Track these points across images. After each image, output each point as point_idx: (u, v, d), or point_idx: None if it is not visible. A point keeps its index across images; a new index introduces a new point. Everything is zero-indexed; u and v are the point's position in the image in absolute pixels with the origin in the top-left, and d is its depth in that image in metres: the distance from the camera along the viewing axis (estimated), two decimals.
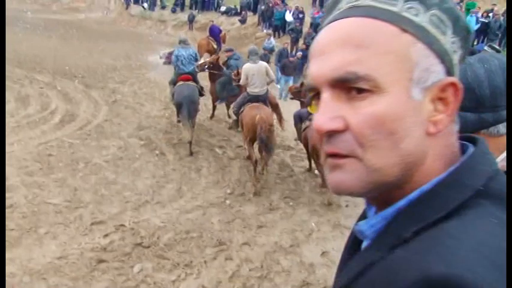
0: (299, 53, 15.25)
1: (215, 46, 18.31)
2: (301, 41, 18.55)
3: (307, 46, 17.19)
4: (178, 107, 8.75)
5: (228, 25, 25.94)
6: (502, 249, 0.53)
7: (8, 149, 7.98)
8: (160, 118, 10.60)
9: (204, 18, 27.98)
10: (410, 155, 0.62)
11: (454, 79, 0.65)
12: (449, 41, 0.66)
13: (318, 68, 0.65)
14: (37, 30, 25.25)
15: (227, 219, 6.17)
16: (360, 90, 0.61)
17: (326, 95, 0.64)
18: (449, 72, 0.66)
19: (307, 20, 21.04)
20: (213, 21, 22.76)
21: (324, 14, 0.75)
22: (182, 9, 31.08)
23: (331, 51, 0.64)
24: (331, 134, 0.63)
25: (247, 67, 7.79)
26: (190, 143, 8.51)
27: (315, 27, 18.83)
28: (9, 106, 10.48)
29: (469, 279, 0.50)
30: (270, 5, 24.21)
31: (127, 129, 9.60)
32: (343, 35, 0.63)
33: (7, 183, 6.63)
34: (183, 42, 9.33)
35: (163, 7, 32.59)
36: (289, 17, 21.72)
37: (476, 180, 0.62)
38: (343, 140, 0.62)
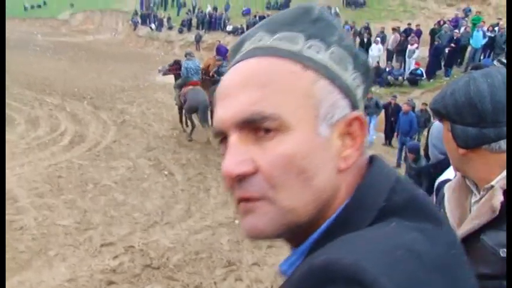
0: None
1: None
2: None
3: None
4: (194, 110, 10.02)
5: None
6: (400, 245, 0.54)
7: (18, 170, 8.05)
8: (169, 138, 10.65)
9: (210, 38, 28.27)
10: (323, 192, 0.62)
11: (358, 113, 0.65)
12: (351, 76, 0.67)
13: (223, 111, 0.63)
14: (47, 53, 25.62)
15: (236, 239, 6.14)
16: (267, 130, 0.60)
17: (233, 138, 0.62)
18: (353, 106, 0.66)
19: None
20: (220, 41, 22.95)
21: (230, 58, 0.73)
22: (189, 29, 31.43)
23: (235, 93, 0.62)
24: (242, 178, 0.61)
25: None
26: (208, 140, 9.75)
27: None
28: (20, 128, 10.61)
29: (347, 261, 0.50)
30: None
31: (135, 149, 9.65)
32: (246, 76, 0.63)
33: (17, 205, 6.68)
34: (188, 55, 10.72)
35: (170, 28, 32.99)
36: None
37: (378, 198, 0.62)
38: (253, 183, 0.61)
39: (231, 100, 0.62)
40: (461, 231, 1.23)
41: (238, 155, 0.61)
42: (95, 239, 5.92)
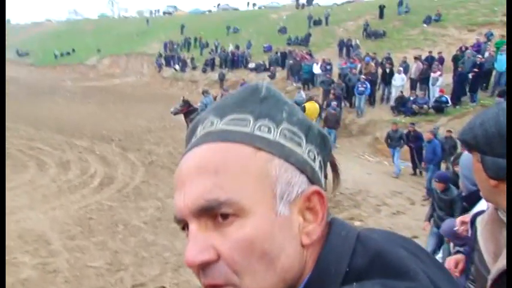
0: (334, 103, 15.23)
1: None
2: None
3: (337, 96, 17.34)
4: None
5: (259, 81, 26.38)
6: None
7: (50, 213, 8.21)
8: None
9: (234, 76, 28.72)
10: (289, 271, 0.62)
11: (316, 187, 0.65)
12: (305, 151, 0.67)
13: (181, 200, 0.63)
14: (76, 98, 26.36)
15: None
16: (225, 216, 0.60)
17: (193, 227, 0.62)
18: (311, 180, 0.66)
19: (335, 71, 21.33)
20: (244, 80, 23.21)
21: (186, 142, 0.74)
22: (212, 68, 32.01)
23: (190, 181, 0.62)
24: (205, 266, 0.61)
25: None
26: None
27: (343, 77, 19.02)
28: (51, 171, 10.86)
29: None
30: (298, 59, 24.75)
31: (164, 189, 9.74)
32: (199, 163, 0.63)
33: (50, 247, 6.78)
34: (205, 92, 13.79)
35: (194, 68, 33.66)
36: (317, 70, 22.07)
37: (340, 265, 0.62)
38: (217, 270, 0.60)
39: (187, 188, 0.62)
40: (496, 267, 1.18)
41: (199, 243, 0.60)
42: (126, 280, 5.93)
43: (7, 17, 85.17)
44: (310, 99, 13.00)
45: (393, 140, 12.44)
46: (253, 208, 0.60)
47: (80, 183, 10.05)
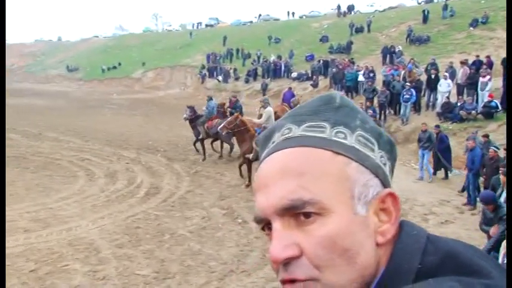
0: (369, 111, 15.01)
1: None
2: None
3: (381, 104, 17.03)
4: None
5: (301, 90, 26.44)
6: None
7: (99, 222, 8.43)
8: (241, 187, 10.78)
9: (276, 85, 28.80)
10: (367, 268, 0.65)
11: (390, 190, 0.70)
12: (377, 155, 0.71)
13: (264, 201, 0.67)
14: (122, 110, 27.06)
15: None
16: (307, 215, 0.64)
17: (276, 225, 0.66)
18: (383, 184, 0.70)
19: (379, 78, 21.03)
20: (290, 88, 22.94)
21: (258, 149, 0.79)
22: (255, 78, 32.20)
23: (274, 183, 0.66)
24: (288, 262, 0.64)
25: (270, 110, 11.30)
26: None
27: (387, 84, 18.72)
28: (100, 182, 11.18)
29: None
30: (340, 67, 24.56)
31: (209, 199, 9.85)
32: (282, 166, 0.67)
33: (99, 255, 6.95)
34: (210, 98, 15.20)
35: (236, 78, 33.97)
36: (361, 77, 21.83)
37: (412, 262, 0.65)
38: (299, 265, 0.64)
39: (270, 190, 0.67)
40: None
41: (283, 240, 0.64)
42: None
43: (59, 34, 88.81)
44: None
45: (421, 141, 12.18)
46: (334, 207, 0.64)
47: (127, 193, 10.29)
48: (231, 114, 13.52)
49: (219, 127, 11.68)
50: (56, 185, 10.88)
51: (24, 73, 68.50)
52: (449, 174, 12.15)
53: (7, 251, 6.99)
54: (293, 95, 19.97)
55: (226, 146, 14.06)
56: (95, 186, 10.81)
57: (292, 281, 0.65)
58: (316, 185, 0.64)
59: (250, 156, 10.78)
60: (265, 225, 0.69)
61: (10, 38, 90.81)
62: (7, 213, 8.71)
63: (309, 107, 0.74)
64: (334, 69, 24.80)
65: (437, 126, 12.53)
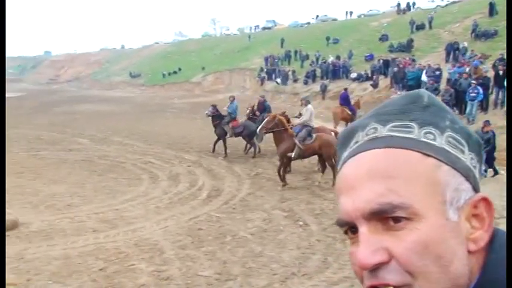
0: None
1: (349, 113, 18.32)
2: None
3: (445, 103, 16.39)
4: (254, 134, 13.85)
5: (360, 91, 26.02)
6: None
7: (163, 224, 8.62)
8: (302, 189, 10.72)
9: (335, 86, 28.43)
10: (460, 277, 0.62)
11: (484, 194, 0.66)
12: (468, 157, 0.67)
13: (351, 204, 0.64)
14: (183, 114, 27.67)
15: None
16: (397, 219, 0.61)
17: (363, 229, 0.63)
18: (474, 188, 0.66)
19: (444, 76, 20.30)
20: (346, 89, 22.57)
21: (338, 148, 0.75)
22: (313, 80, 32.01)
23: (360, 185, 0.64)
24: (376, 267, 0.61)
25: (311, 108, 11.47)
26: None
27: (453, 83, 18.06)
28: (163, 184, 11.45)
29: None
30: (401, 66, 23.90)
31: (270, 201, 9.84)
32: (369, 168, 0.64)
33: (163, 256, 7.10)
34: (233, 97, 15.79)
35: (295, 80, 33.90)
36: (424, 77, 21.14)
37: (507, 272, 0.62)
38: (390, 270, 0.61)
39: (357, 192, 0.64)
40: None
41: (371, 245, 0.62)
42: None
43: (122, 43, 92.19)
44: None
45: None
46: (425, 212, 0.61)
47: (189, 195, 10.47)
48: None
49: (258, 128, 11.63)
50: (121, 187, 11.26)
51: (91, 80, 71.70)
52: (498, 174, 11.41)
53: (78, 250, 7.31)
54: (348, 96, 19.63)
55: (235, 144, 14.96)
56: (158, 189, 11.09)
57: (385, 286, 0.62)
58: (406, 188, 0.61)
59: (292, 154, 10.67)
60: (349, 228, 0.67)
61: (78, 48, 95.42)
62: (77, 214, 9.15)
63: (394, 106, 0.71)
64: (395, 69, 24.18)
65: (487, 122, 11.77)
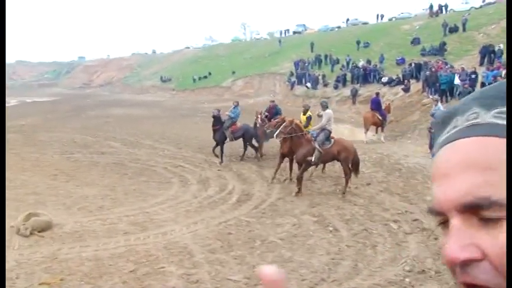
0: None
1: (380, 117, 18.10)
2: None
3: None
4: (253, 136, 14.69)
5: (391, 95, 25.68)
6: None
7: (192, 228, 8.66)
8: (332, 194, 10.62)
9: (366, 91, 28.17)
10: None
11: None
12: None
13: (443, 193, 0.60)
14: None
15: None
16: (491, 216, 0.55)
17: (456, 222, 0.59)
18: None
19: (479, 80, 19.84)
20: (377, 93, 22.21)
21: (434, 131, 0.69)
22: (344, 84, 31.77)
23: (455, 175, 0.59)
24: (466, 264, 0.57)
25: (330, 112, 11.36)
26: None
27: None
28: (192, 188, 11.51)
29: None
30: (434, 69, 23.46)
31: (300, 206, 9.77)
32: (467, 157, 0.59)
33: (193, 260, 7.12)
34: (236, 103, 15.66)
35: (325, 85, 33.70)
36: (457, 80, 20.68)
37: None
38: (481, 270, 0.56)
39: (451, 181, 0.59)
40: None
41: (462, 239, 0.58)
42: None
43: (153, 47, 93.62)
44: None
45: None
46: None
47: (219, 200, 10.50)
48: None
49: (275, 133, 11.42)
50: (151, 191, 11.37)
51: (122, 85, 72.98)
52: None
53: (110, 252, 7.41)
54: (379, 101, 19.35)
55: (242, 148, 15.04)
56: (188, 192, 11.16)
57: (473, 286, 0.58)
58: (505, 183, 0.56)
59: (312, 159, 10.54)
60: (441, 219, 0.63)
61: (111, 53, 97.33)
62: (108, 216, 9.28)
63: (500, 89, 0.63)
64: (427, 72, 23.75)
65: None
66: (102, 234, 8.24)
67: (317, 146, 10.51)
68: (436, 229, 7.07)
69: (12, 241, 7.79)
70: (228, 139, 14.58)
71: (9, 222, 8.60)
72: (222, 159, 14.36)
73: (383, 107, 18.95)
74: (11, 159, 15.04)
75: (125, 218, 9.17)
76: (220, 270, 6.78)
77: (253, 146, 14.95)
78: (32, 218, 8.31)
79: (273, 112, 16.02)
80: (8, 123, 24.95)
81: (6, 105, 43.27)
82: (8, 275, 6.45)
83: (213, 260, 7.16)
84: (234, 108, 15.23)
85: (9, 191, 11.01)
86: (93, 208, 9.86)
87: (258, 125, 14.82)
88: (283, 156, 11.71)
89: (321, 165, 11.87)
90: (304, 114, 13.12)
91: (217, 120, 14.67)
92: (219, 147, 14.48)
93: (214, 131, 14.64)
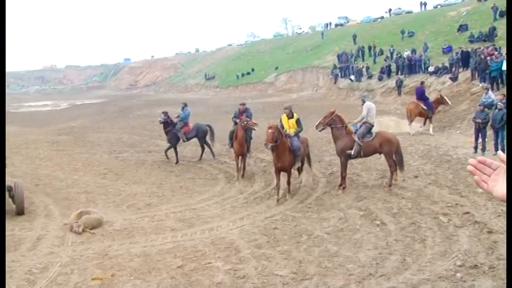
0: (499, 104, 12.67)
1: (424, 107, 17.56)
2: None
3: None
4: (206, 134, 15.18)
5: (439, 85, 24.91)
6: None
7: (238, 223, 8.72)
8: (378, 187, 10.43)
9: (412, 81, 27.45)
10: None
11: None
12: None
13: None
14: (257, 114, 27.76)
15: None
16: None
17: None
18: None
19: None
20: (422, 83, 21.52)
21: None
22: (389, 76, 31.09)
23: None
24: None
25: (370, 104, 11.04)
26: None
27: None
28: (238, 184, 11.60)
29: None
30: (483, 56, 22.55)
31: (346, 200, 9.66)
32: None
33: (239, 255, 7.17)
34: (184, 105, 15.44)
35: (370, 77, 33.08)
36: (505, 66, 19.77)
37: None
38: None
39: None
40: None
41: None
42: None
43: (196, 46, 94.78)
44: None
45: None
46: None
47: (264, 195, 10.53)
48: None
49: (316, 124, 11.02)
50: (198, 187, 11.53)
51: (167, 84, 74.30)
52: None
53: (158, 248, 7.57)
54: (424, 91, 18.76)
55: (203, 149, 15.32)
56: (233, 188, 11.25)
57: None
58: None
59: (352, 152, 10.29)
60: None
61: (155, 54, 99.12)
62: (156, 213, 9.47)
63: None
64: (476, 60, 22.87)
65: None
66: (150, 231, 8.42)
67: (356, 139, 10.30)
68: (489, 222, 6.84)
69: (65, 238, 8.09)
70: (181, 140, 14.97)
71: (62, 220, 8.94)
72: (177, 159, 14.75)
73: (431, 100, 18.32)
74: (63, 159, 15.62)
75: (172, 215, 9.34)
76: (267, 265, 6.79)
77: (208, 145, 15.20)
78: (84, 215, 8.61)
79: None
80: (59, 126, 25.98)
81: (57, 108, 45.01)
82: (62, 270, 6.72)
83: (260, 255, 7.19)
84: (183, 109, 15.42)
85: (61, 190, 11.46)
86: (141, 205, 10.10)
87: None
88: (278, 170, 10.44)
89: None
90: (290, 118, 11.58)
91: (167, 123, 15.05)
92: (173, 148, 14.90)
93: (166, 133, 15.03)
